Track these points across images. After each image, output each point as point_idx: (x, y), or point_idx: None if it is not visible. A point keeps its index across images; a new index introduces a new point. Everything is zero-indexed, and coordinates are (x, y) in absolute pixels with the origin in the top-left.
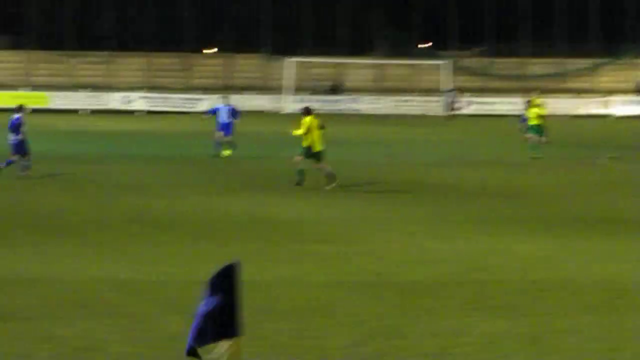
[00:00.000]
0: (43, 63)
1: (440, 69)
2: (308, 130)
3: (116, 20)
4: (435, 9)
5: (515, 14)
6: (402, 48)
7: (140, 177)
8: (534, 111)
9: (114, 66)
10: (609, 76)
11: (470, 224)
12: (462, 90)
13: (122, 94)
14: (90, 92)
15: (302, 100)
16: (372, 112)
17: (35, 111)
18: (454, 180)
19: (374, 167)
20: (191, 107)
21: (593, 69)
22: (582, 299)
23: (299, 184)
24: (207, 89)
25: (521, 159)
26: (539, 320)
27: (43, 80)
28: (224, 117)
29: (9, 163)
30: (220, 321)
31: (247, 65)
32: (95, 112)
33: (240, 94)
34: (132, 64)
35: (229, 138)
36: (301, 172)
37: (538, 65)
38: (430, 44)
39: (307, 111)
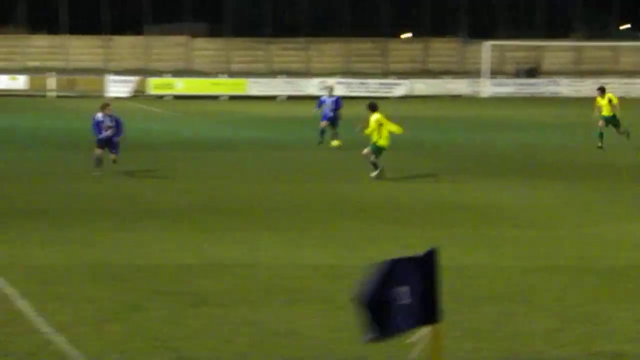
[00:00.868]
0: (241, 50)
1: None
2: (377, 127)
3: (312, 6)
4: None
5: None
6: (601, 30)
7: (336, 163)
8: None
9: (311, 52)
10: None
11: None
12: None
13: (319, 79)
14: (287, 78)
15: (500, 84)
16: (572, 95)
17: (234, 98)
18: None
19: (572, 150)
20: (387, 92)
21: None
22: None
23: (379, 176)
24: (403, 74)
25: None
26: None
27: (241, 67)
28: (328, 109)
29: None
30: (419, 308)
31: (443, 49)
32: (291, 98)
33: (436, 78)
34: (329, 50)
35: (335, 130)
36: (375, 164)
37: None
38: (629, 25)
39: (373, 107)
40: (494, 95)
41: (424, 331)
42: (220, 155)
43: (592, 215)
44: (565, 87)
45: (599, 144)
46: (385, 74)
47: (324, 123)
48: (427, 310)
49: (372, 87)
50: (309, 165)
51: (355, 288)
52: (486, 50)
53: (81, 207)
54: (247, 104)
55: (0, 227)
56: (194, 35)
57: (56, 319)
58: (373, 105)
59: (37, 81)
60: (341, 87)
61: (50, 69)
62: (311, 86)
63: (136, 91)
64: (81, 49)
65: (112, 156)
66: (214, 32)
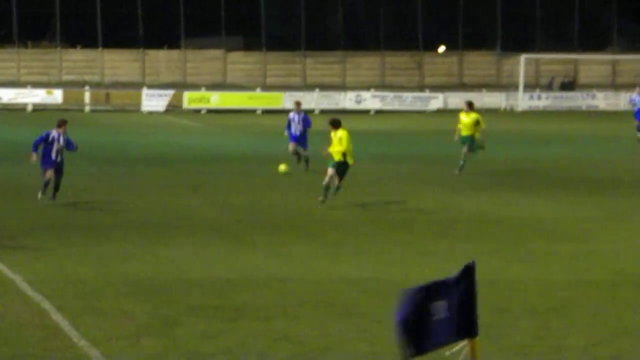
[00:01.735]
0: (276, 64)
1: None
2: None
3: (347, 20)
4: None
5: None
6: (638, 42)
7: (374, 176)
8: None
9: (347, 66)
10: None
11: None
12: None
13: (355, 93)
14: (323, 92)
15: (538, 97)
16: (608, 109)
17: (268, 112)
18: None
19: (610, 164)
20: (423, 106)
21: None
22: None
23: (323, 201)
24: (438, 87)
25: None
26: None
27: (276, 80)
28: (294, 128)
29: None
30: (456, 322)
31: (479, 62)
32: (325, 112)
33: (472, 91)
34: (365, 63)
35: (304, 150)
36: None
37: None
38: None
39: (337, 124)
40: (530, 109)
41: (462, 345)
42: (256, 169)
43: (630, 229)
44: (602, 101)
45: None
46: (421, 88)
47: (291, 146)
48: (465, 324)
49: (406, 101)
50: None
51: (394, 304)
52: (522, 63)
53: (117, 222)
54: (282, 118)
55: (37, 241)
56: (230, 49)
57: (92, 334)
58: (337, 121)
59: (72, 95)
60: (376, 100)
61: (85, 83)
62: (347, 100)
63: (171, 105)
64: (117, 63)
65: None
66: (249, 46)
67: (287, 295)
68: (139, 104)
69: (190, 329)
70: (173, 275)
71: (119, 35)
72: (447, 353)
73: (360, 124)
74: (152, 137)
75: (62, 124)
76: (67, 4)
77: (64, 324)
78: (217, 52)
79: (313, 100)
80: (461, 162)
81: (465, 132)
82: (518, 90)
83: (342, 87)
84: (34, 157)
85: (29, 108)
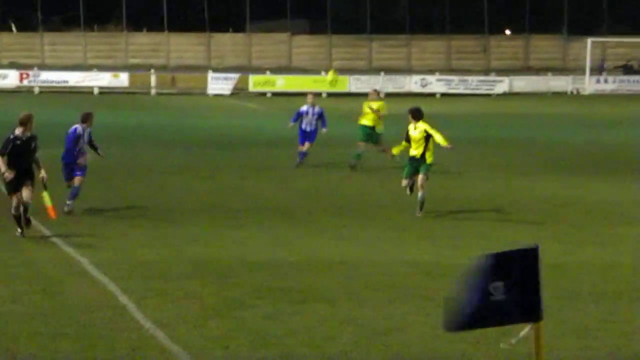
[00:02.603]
0: (342, 47)
1: None
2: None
3: (413, 3)
4: None
5: None
6: None
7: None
8: None
9: (414, 49)
10: None
11: None
12: None
13: (420, 76)
14: (388, 75)
15: (605, 81)
16: None
17: (334, 95)
18: None
19: None
20: (488, 89)
21: None
22: None
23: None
24: (503, 71)
25: None
26: None
27: (342, 64)
28: (307, 123)
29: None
30: (516, 305)
31: (545, 46)
32: (392, 95)
33: (538, 74)
34: (431, 47)
35: (307, 146)
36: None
37: None
38: None
39: (418, 114)
40: (596, 92)
41: (527, 330)
42: (322, 152)
43: None
44: None
45: (352, 163)
46: (486, 71)
47: (306, 146)
48: (527, 307)
49: (472, 84)
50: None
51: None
52: (588, 47)
53: (185, 204)
54: (348, 101)
55: (104, 223)
56: (295, 32)
57: (158, 315)
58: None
59: (138, 78)
60: (441, 84)
61: (151, 67)
62: (412, 83)
63: (237, 88)
64: (182, 46)
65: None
66: (314, 29)
67: (352, 279)
68: (204, 87)
69: (256, 311)
70: (239, 258)
71: (185, 19)
72: (513, 341)
73: (426, 108)
74: (217, 119)
75: (86, 118)
76: None
77: (130, 306)
78: (282, 36)
79: (379, 84)
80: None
81: (367, 121)
82: (585, 74)
83: (408, 70)
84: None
85: (96, 91)
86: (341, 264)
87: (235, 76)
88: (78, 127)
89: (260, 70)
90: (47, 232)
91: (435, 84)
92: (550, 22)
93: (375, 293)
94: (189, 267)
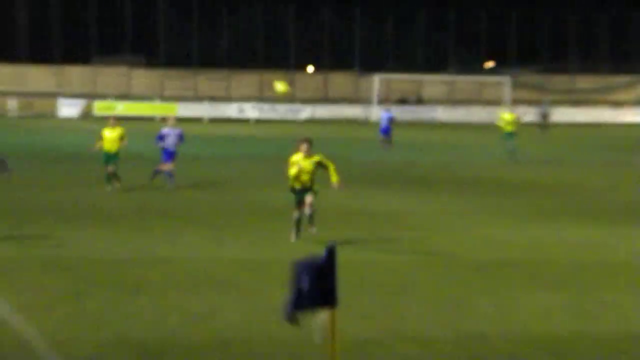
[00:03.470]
0: (173, 79)
1: (502, 85)
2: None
3: (232, 42)
4: (497, 34)
5: (565, 37)
6: (471, 66)
7: (257, 174)
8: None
9: (232, 81)
10: None
11: (526, 215)
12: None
13: (237, 104)
14: (211, 103)
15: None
16: (447, 120)
17: (165, 119)
18: (513, 177)
19: (452, 166)
20: (294, 116)
21: (630, 84)
22: (627, 278)
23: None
24: (308, 100)
25: (572, 159)
26: (587, 295)
27: (172, 92)
28: (170, 142)
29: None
30: (321, 293)
31: (341, 80)
32: (214, 121)
33: (336, 104)
34: (246, 79)
35: (170, 166)
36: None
37: (585, 81)
38: (493, 63)
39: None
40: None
41: (324, 314)
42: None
43: (464, 221)
44: (441, 114)
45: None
46: (293, 101)
47: (169, 165)
48: (326, 296)
49: (280, 111)
50: (229, 175)
51: (266, 280)
52: (375, 82)
53: (38, 207)
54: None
55: None
56: (133, 65)
57: (13, 302)
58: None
59: None
60: (255, 110)
61: (10, 93)
62: (230, 110)
63: (84, 112)
64: (37, 76)
65: None
66: (149, 63)
67: (177, 273)
68: (54, 111)
69: (96, 299)
70: (81, 255)
71: (40, 52)
72: (318, 338)
73: (243, 131)
74: (65, 138)
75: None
76: None
77: None
78: (122, 69)
79: (203, 110)
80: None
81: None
82: (373, 104)
83: (228, 99)
84: None
85: None
86: (168, 260)
87: (82, 102)
88: None
89: (103, 96)
90: None
91: (251, 110)
92: (345, 61)
93: (198, 284)
94: (37, 263)
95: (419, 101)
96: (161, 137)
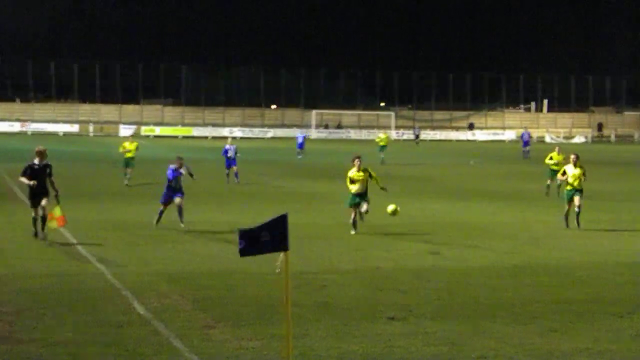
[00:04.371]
0: (189, 113)
1: (389, 117)
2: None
3: (227, 90)
4: (388, 84)
5: (429, 89)
6: (371, 105)
7: (246, 169)
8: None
9: (226, 114)
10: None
11: (406, 195)
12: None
13: (229, 128)
14: (213, 127)
15: (321, 132)
16: (356, 139)
17: (227, 138)
18: (396, 172)
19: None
20: (263, 135)
21: (465, 117)
22: (464, 232)
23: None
24: (272, 125)
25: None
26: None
27: (189, 121)
28: (231, 154)
29: None
30: (276, 242)
31: (292, 113)
32: (214, 138)
33: (289, 128)
34: (235, 113)
35: (234, 169)
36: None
37: (439, 115)
38: (384, 103)
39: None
40: (318, 138)
41: (281, 256)
42: None
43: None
44: (353, 134)
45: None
46: (263, 126)
47: (233, 169)
48: (280, 243)
49: (255, 132)
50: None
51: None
52: (313, 114)
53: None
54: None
55: None
56: (165, 104)
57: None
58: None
59: None
60: (240, 132)
61: (89, 122)
62: (225, 131)
63: (135, 133)
64: (106, 111)
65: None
66: (174, 103)
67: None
68: (117, 132)
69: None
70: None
71: (108, 96)
72: (278, 270)
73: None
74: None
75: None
76: None
77: None
78: (158, 106)
79: (208, 132)
80: None
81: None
82: (311, 128)
83: (223, 124)
84: None
85: None
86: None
87: (134, 127)
88: None
89: (147, 124)
90: None
91: (237, 132)
92: (295, 101)
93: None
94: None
95: (339, 127)
96: (225, 151)
